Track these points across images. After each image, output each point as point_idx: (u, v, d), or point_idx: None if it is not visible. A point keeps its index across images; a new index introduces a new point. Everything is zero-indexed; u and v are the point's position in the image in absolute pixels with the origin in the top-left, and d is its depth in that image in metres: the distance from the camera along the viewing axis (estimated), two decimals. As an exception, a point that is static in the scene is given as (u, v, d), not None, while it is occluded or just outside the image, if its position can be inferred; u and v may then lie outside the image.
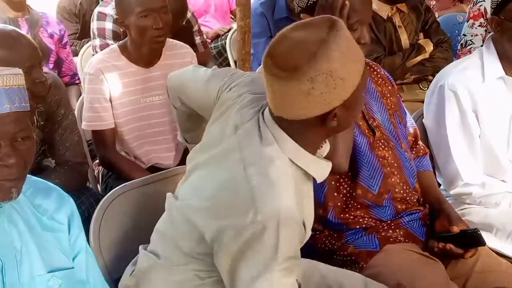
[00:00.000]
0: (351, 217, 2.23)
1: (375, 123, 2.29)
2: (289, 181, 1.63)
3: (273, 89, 1.61)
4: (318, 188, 2.22)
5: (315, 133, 1.68)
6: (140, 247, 1.90)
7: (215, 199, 1.66)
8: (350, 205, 2.23)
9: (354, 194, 2.22)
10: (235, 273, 1.62)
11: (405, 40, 3.75)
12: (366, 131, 2.26)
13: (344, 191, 2.23)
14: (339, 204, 2.22)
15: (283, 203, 1.57)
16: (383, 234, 2.21)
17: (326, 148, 1.83)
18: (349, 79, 1.57)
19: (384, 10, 3.67)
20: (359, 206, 2.23)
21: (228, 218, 1.61)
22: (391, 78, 2.55)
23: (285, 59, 1.57)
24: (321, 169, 1.76)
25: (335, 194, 2.22)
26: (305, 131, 1.67)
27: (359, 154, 2.22)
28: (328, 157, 1.99)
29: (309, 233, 1.74)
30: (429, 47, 3.75)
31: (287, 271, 1.59)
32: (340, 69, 1.55)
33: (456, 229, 2.18)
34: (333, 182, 2.21)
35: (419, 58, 3.70)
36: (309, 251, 2.26)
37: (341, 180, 2.22)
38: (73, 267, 1.71)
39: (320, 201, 2.22)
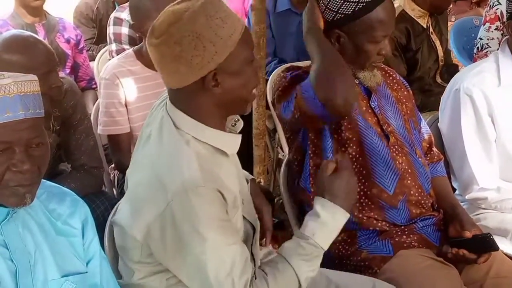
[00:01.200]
0: (365, 217, 2.23)
1: (389, 129, 2.29)
2: (189, 157, 1.67)
3: (153, 59, 1.72)
4: None
5: (204, 102, 1.72)
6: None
7: (133, 198, 1.73)
8: (364, 204, 2.23)
9: (369, 193, 2.23)
10: (182, 261, 1.66)
11: (439, 46, 3.75)
12: (380, 136, 2.26)
13: (358, 189, 2.22)
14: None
15: (187, 176, 1.63)
16: (397, 239, 2.21)
17: (239, 125, 1.87)
18: (220, 43, 1.64)
19: (423, 19, 3.67)
20: (373, 206, 2.23)
21: (148, 212, 1.66)
22: (407, 84, 2.54)
23: (158, 27, 1.67)
24: (228, 142, 1.79)
25: None
26: (195, 102, 1.72)
27: (374, 152, 2.22)
28: (327, 99, 2.04)
29: (234, 202, 1.75)
30: None
31: (224, 235, 1.64)
32: (207, 33, 1.62)
33: (468, 234, 2.17)
34: None
35: None
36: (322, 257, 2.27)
37: (355, 178, 2.22)
38: (86, 272, 1.72)
39: None
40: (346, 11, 2.17)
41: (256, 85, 1.82)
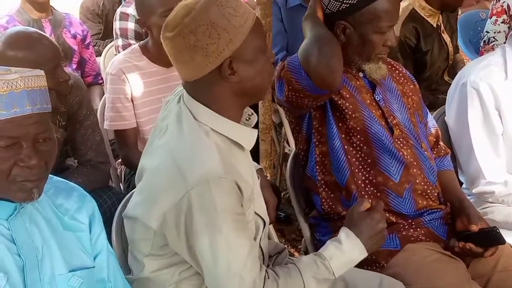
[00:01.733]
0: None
1: (394, 121, 2.28)
2: (210, 147, 1.69)
3: (169, 53, 1.74)
4: (341, 173, 2.24)
5: (222, 92, 1.74)
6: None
7: (150, 187, 1.74)
8: (370, 192, 2.23)
9: (374, 181, 2.23)
10: (194, 250, 1.67)
11: (449, 44, 3.73)
12: (385, 129, 2.26)
13: (363, 177, 2.24)
14: (358, 189, 2.23)
15: (208, 167, 1.65)
16: (404, 233, 2.21)
17: (253, 119, 1.88)
18: (234, 31, 1.67)
19: (434, 18, 3.65)
20: (379, 195, 2.23)
21: (165, 200, 1.67)
22: (413, 77, 2.54)
23: (172, 21, 1.71)
24: (245, 135, 1.81)
25: (355, 179, 2.23)
26: (213, 92, 1.74)
27: (379, 142, 2.23)
28: (309, 65, 2.07)
29: (251, 195, 1.77)
30: None
31: (236, 229, 1.65)
32: (220, 21, 1.66)
33: (474, 227, 2.17)
34: (353, 168, 2.22)
35: None
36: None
37: (360, 167, 2.24)
38: (94, 266, 1.72)
39: (343, 184, 2.24)
40: (351, 0, 2.17)
41: (272, 74, 1.84)
